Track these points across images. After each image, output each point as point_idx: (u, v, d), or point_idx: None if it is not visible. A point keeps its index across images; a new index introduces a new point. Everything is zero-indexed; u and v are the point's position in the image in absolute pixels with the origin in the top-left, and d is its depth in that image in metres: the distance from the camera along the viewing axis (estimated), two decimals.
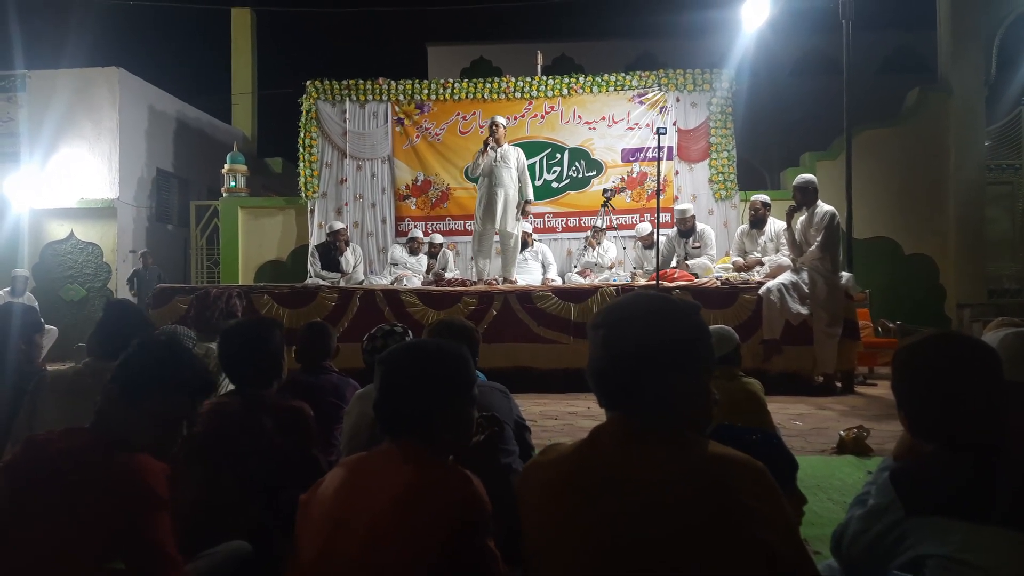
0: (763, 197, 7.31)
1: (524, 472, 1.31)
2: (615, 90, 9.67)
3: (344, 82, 9.93)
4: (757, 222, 7.14)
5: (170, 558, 1.59)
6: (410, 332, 2.93)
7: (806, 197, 6.20)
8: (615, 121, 9.69)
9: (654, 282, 6.15)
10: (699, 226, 7.77)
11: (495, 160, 7.41)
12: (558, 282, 8.04)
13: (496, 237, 7.75)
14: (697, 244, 7.56)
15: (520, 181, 7.57)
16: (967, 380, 1.43)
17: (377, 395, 1.51)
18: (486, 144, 7.42)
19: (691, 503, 1.06)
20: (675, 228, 7.81)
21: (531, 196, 7.72)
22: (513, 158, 7.54)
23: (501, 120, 7.64)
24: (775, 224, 7.04)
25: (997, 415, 1.42)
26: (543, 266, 8.62)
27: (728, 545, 1.04)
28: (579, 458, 1.20)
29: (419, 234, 9.07)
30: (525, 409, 2.91)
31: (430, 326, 2.61)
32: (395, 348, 1.59)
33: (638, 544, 1.06)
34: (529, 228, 8.85)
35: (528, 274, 8.28)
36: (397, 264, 8.78)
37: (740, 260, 7.12)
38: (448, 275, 8.39)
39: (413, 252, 8.90)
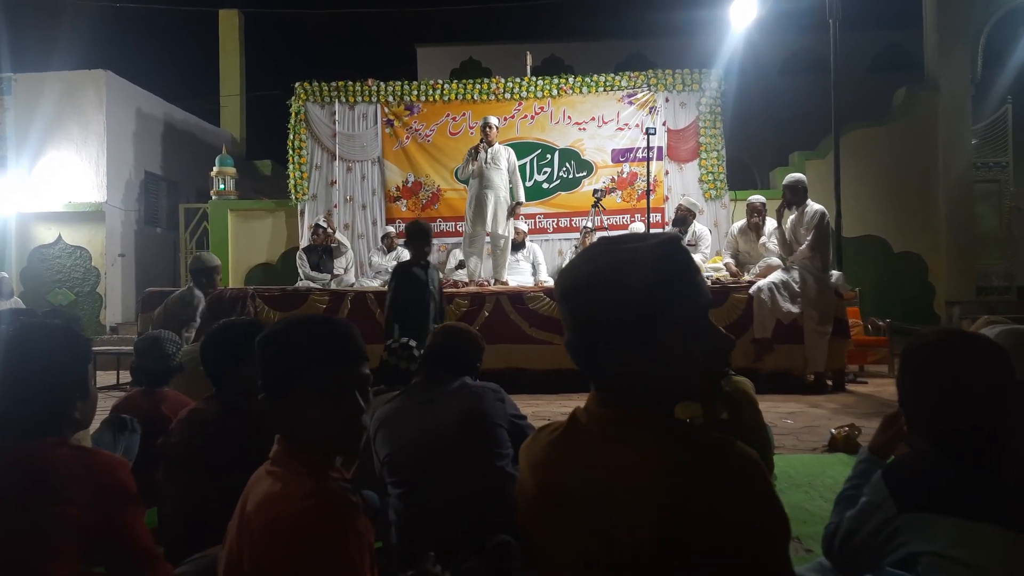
0: (761, 197, 7.28)
1: (519, 459, 1.17)
2: (604, 91, 9.69)
3: (333, 84, 9.90)
4: (761, 222, 7.08)
5: (151, 554, 1.58)
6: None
7: (796, 196, 6.23)
8: (605, 122, 9.70)
9: None
10: (697, 226, 7.79)
11: (485, 161, 7.38)
12: (550, 283, 8.04)
13: (487, 239, 7.74)
14: (692, 243, 7.59)
15: (511, 181, 7.56)
16: (973, 375, 1.44)
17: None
18: (477, 147, 7.40)
19: (655, 501, 0.93)
20: (672, 222, 7.92)
21: (522, 198, 7.72)
22: (504, 159, 7.51)
23: (494, 120, 7.60)
24: (769, 224, 7.05)
25: (1000, 412, 1.42)
26: (534, 267, 8.62)
27: (677, 548, 0.92)
28: (553, 444, 1.08)
29: (391, 230, 9.23)
30: None
31: (434, 331, 2.63)
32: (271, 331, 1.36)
33: (594, 538, 0.97)
34: (525, 228, 8.85)
35: (519, 275, 8.28)
36: (380, 271, 8.88)
37: (732, 263, 7.12)
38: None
39: (390, 248, 8.98)
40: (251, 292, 6.93)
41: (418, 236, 5.03)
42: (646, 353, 0.98)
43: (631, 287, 0.98)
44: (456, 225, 9.51)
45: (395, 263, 8.89)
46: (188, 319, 5.42)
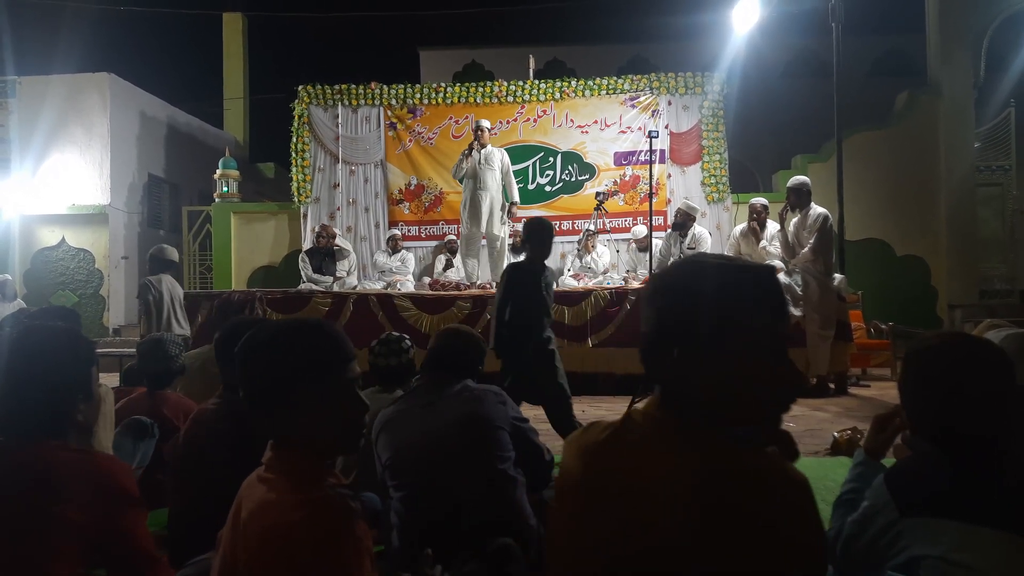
0: (762, 200, 7.28)
1: (564, 449, 1.17)
2: (607, 94, 9.69)
3: (336, 87, 9.92)
4: (759, 225, 7.10)
5: (152, 557, 1.58)
6: (413, 344, 3.03)
7: (800, 199, 6.23)
8: (607, 125, 9.70)
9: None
10: (697, 229, 7.78)
11: (479, 163, 7.45)
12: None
13: (483, 240, 7.77)
14: (692, 246, 7.58)
15: (504, 182, 7.60)
16: (975, 378, 1.44)
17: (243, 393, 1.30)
18: (470, 147, 7.46)
19: (692, 511, 0.94)
20: (672, 225, 7.89)
21: (516, 198, 7.77)
22: (497, 160, 7.57)
23: (485, 123, 7.72)
24: (771, 227, 7.06)
25: (1003, 417, 1.42)
26: None
27: (706, 559, 0.92)
28: (604, 440, 1.09)
29: (397, 232, 9.32)
30: None
31: (437, 334, 2.62)
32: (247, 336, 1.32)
33: (635, 544, 0.98)
34: None
35: None
36: (384, 271, 8.92)
37: None
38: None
39: (395, 250, 9.02)
40: (258, 295, 6.94)
41: (541, 235, 4.45)
42: (712, 366, 1.01)
43: (713, 300, 1.02)
44: (459, 228, 9.52)
45: (399, 264, 9.01)
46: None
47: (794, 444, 1.07)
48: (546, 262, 4.45)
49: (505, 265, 7.77)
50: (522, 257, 8.31)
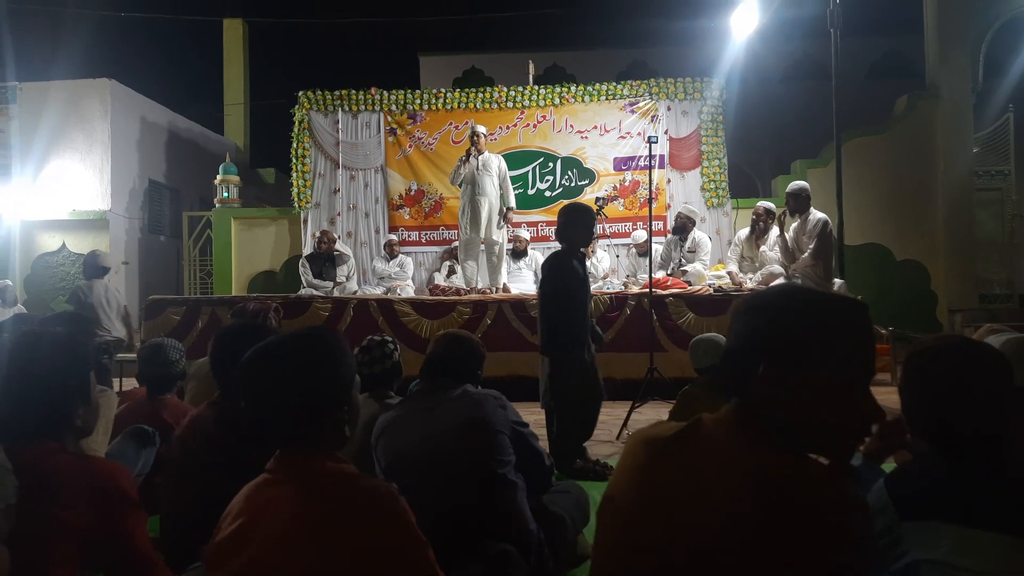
0: (768, 204, 7.27)
1: (628, 440, 1.17)
2: (606, 99, 9.71)
3: (336, 92, 9.94)
4: (762, 230, 7.09)
5: (151, 560, 1.59)
6: (398, 345, 3.00)
7: (799, 204, 6.22)
8: (607, 130, 9.72)
9: (647, 290, 6.16)
10: (696, 233, 7.79)
11: (477, 168, 7.48)
12: None
13: (482, 246, 7.78)
14: (692, 250, 7.59)
15: (502, 188, 7.62)
16: (974, 380, 1.44)
17: (248, 405, 1.31)
18: (468, 153, 7.49)
19: (750, 517, 0.96)
20: (672, 230, 7.90)
21: (513, 203, 7.80)
22: (495, 166, 7.60)
23: (481, 129, 7.74)
24: (773, 232, 7.04)
25: (1001, 419, 1.42)
26: (536, 274, 8.63)
27: (754, 565, 0.94)
28: (671, 437, 1.10)
29: (394, 238, 9.34)
30: None
31: (436, 339, 2.61)
32: (258, 349, 1.32)
33: (689, 542, 1.00)
34: (527, 236, 8.87)
35: (522, 283, 8.29)
36: (383, 277, 8.94)
37: (736, 272, 7.10)
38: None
39: (392, 256, 9.08)
40: (274, 305, 6.89)
41: (582, 219, 4.06)
42: (795, 388, 1.04)
43: (809, 325, 1.06)
44: (458, 233, 9.54)
45: (398, 269, 9.02)
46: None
47: (861, 480, 1.09)
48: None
49: (504, 270, 7.84)
50: (520, 265, 8.46)
